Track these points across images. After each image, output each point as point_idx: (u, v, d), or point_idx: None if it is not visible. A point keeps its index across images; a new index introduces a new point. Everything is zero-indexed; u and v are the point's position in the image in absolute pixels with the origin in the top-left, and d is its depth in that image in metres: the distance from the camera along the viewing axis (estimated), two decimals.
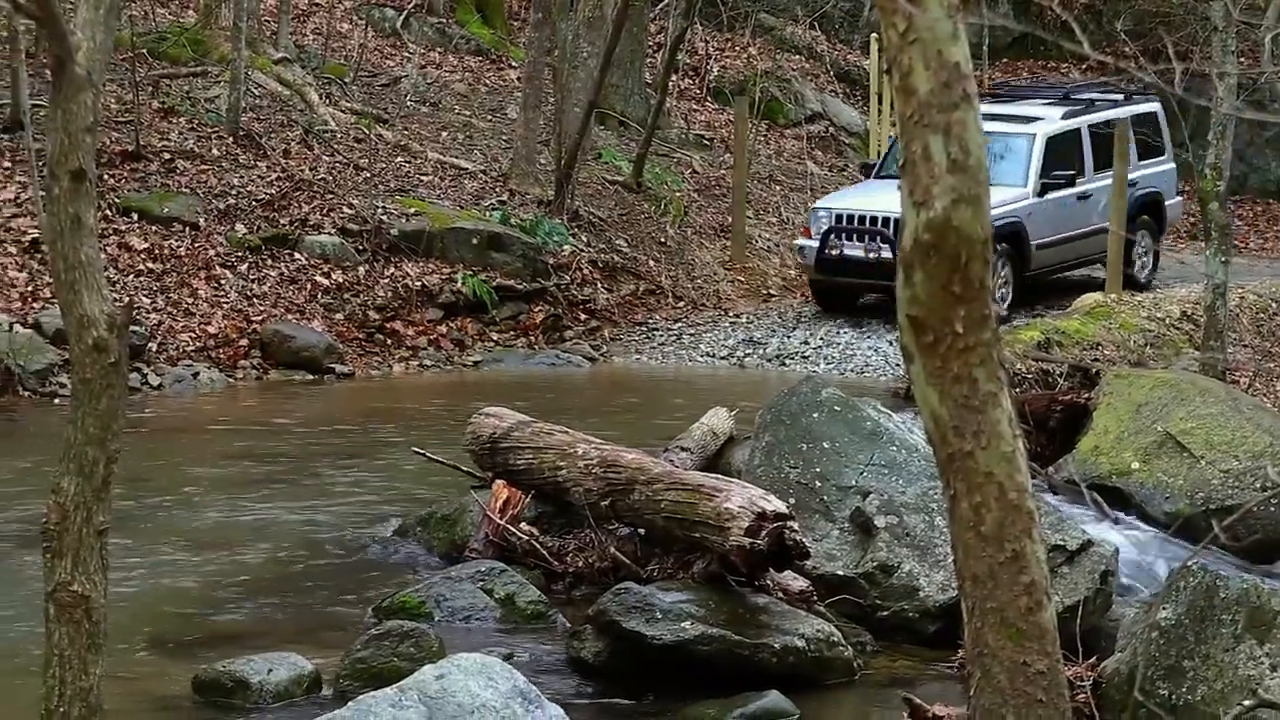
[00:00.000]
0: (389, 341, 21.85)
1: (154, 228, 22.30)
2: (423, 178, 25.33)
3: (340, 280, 22.28)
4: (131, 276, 21.24)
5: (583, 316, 23.46)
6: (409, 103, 28.43)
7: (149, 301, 20.71)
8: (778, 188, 28.68)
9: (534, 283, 23.28)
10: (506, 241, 23.35)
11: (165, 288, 21.27)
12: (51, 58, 6.01)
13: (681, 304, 24.10)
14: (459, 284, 22.75)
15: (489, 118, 28.85)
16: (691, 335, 22.66)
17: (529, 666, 9.74)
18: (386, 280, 22.49)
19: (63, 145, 5.97)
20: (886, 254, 21.89)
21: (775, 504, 10.68)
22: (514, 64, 30.99)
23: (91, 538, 6.01)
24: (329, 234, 22.85)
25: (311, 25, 30.48)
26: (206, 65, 26.60)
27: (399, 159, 25.66)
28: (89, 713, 5.98)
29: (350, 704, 6.56)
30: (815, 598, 11.01)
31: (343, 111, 26.75)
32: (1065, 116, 24.41)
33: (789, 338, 22.35)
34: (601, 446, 12.34)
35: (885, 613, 11.39)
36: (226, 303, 21.28)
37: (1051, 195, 23.62)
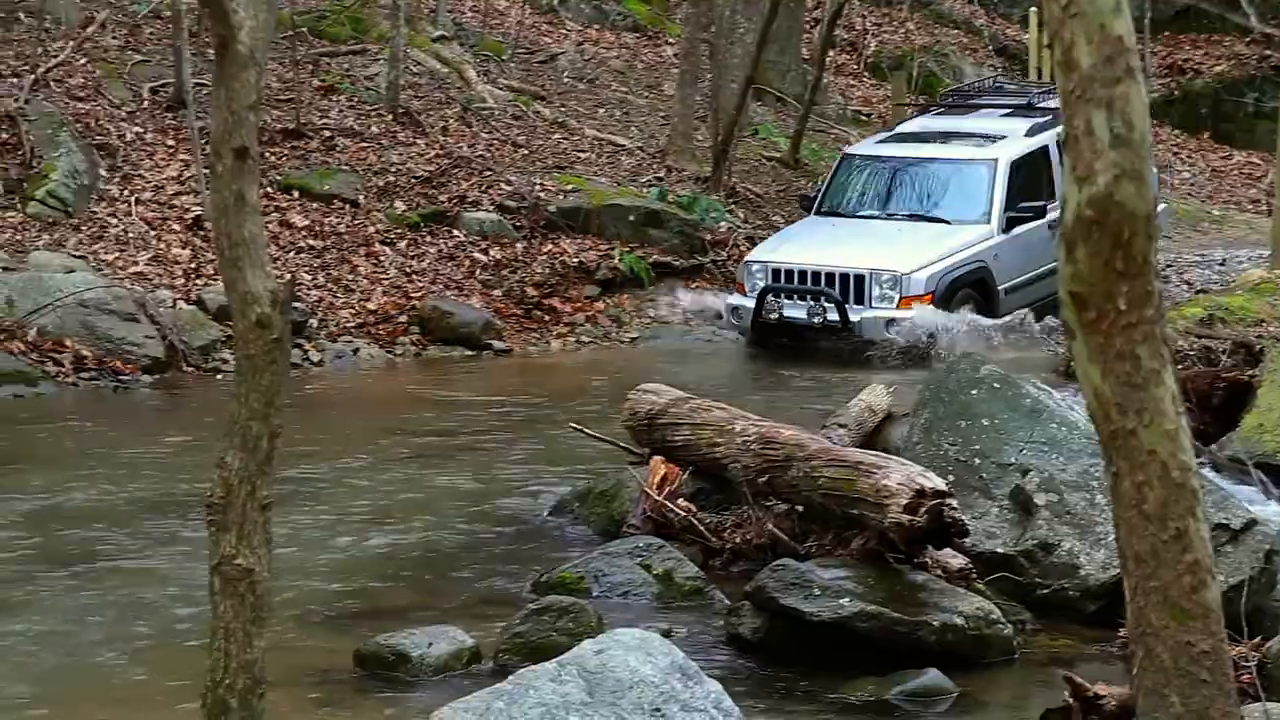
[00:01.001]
0: (546, 318, 21.93)
1: (314, 205, 22.51)
2: (580, 154, 25.39)
3: (498, 257, 22.39)
4: (293, 253, 21.45)
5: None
6: (566, 79, 28.51)
7: (310, 278, 20.91)
8: None
9: (691, 259, 23.29)
10: (663, 218, 23.39)
11: (326, 264, 21.46)
12: (215, 37, 6.07)
13: None
14: (616, 260, 22.80)
15: (646, 94, 28.87)
16: None
17: (687, 642, 9.75)
18: (544, 256, 22.58)
19: (226, 123, 6.03)
20: (833, 316, 19.69)
21: (934, 481, 10.62)
22: (670, 40, 31.00)
23: (255, 512, 6.07)
24: (487, 211, 22.99)
25: (469, 3, 30.64)
26: (365, 43, 26.82)
27: (556, 136, 25.74)
28: (254, 684, 6.04)
29: (510, 678, 6.59)
30: (974, 575, 10.94)
31: (500, 89, 26.86)
32: (1030, 133, 21.27)
33: None
34: (759, 423, 12.32)
35: (1045, 591, 11.29)
36: (386, 279, 21.44)
37: (1019, 230, 20.53)
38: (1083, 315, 4.51)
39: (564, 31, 30.73)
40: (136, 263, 20.54)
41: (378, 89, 25.42)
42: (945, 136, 21.46)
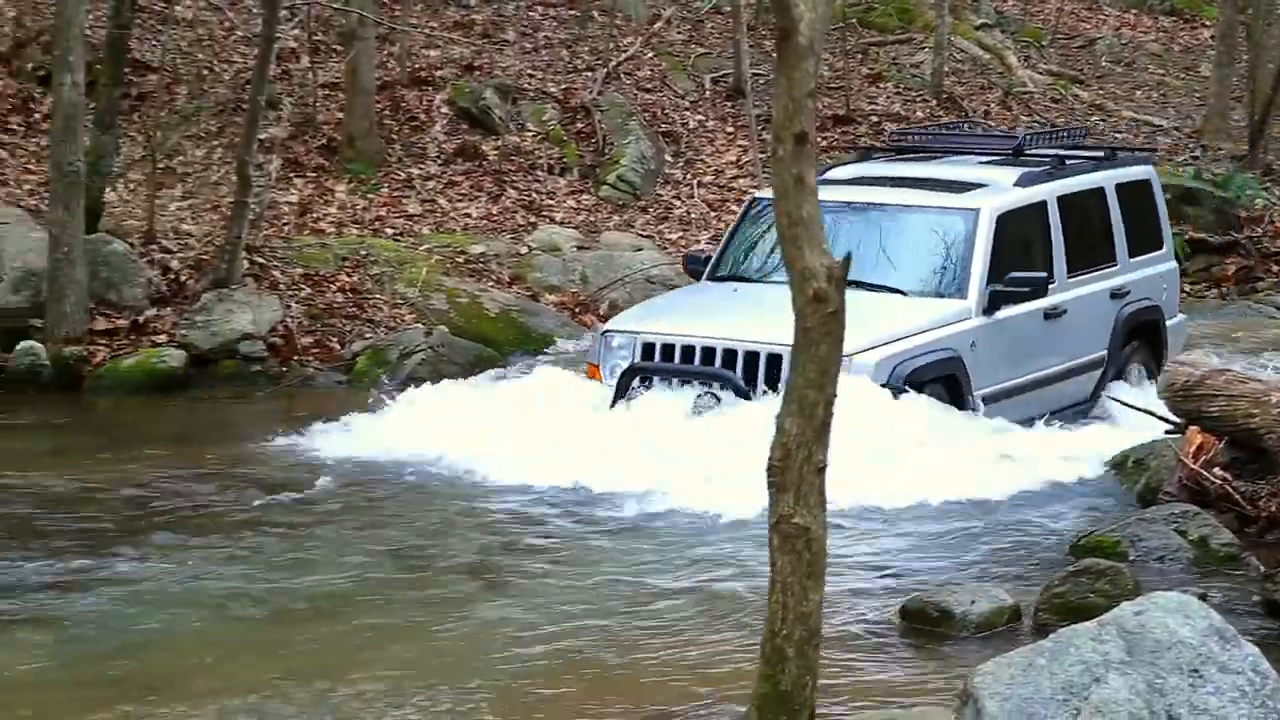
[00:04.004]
0: None
1: None
2: (1116, 135, 25.00)
3: None
4: None
5: (1275, 269, 22.76)
6: (1104, 63, 28.04)
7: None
8: None
9: (1225, 236, 22.73)
10: (1198, 196, 22.93)
11: None
12: (777, 29, 6.14)
13: None
14: None
15: (1182, 76, 28.23)
16: None
17: (1222, 607, 9.47)
18: None
19: (787, 110, 6.10)
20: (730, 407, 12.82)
21: None
22: (1207, 23, 30.20)
23: (811, 474, 6.13)
24: None
25: None
26: (911, 33, 26.86)
27: (1094, 117, 25.41)
28: (809, 635, 6.11)
29: (1051, 636, 6.52)
30: None
31: (1040, 73, 26.59)
32: (1022, 183, 14.28)
33: None
34: None
35: None
36: None
37: (1006, 312, 13.67)
38: None
39: (1102, 17, 30.20)
40: (698, 241, 20.93)
41: (923, 76, 25.41)
42: (901, 182, 14.63)
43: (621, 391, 13.12)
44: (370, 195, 21.06)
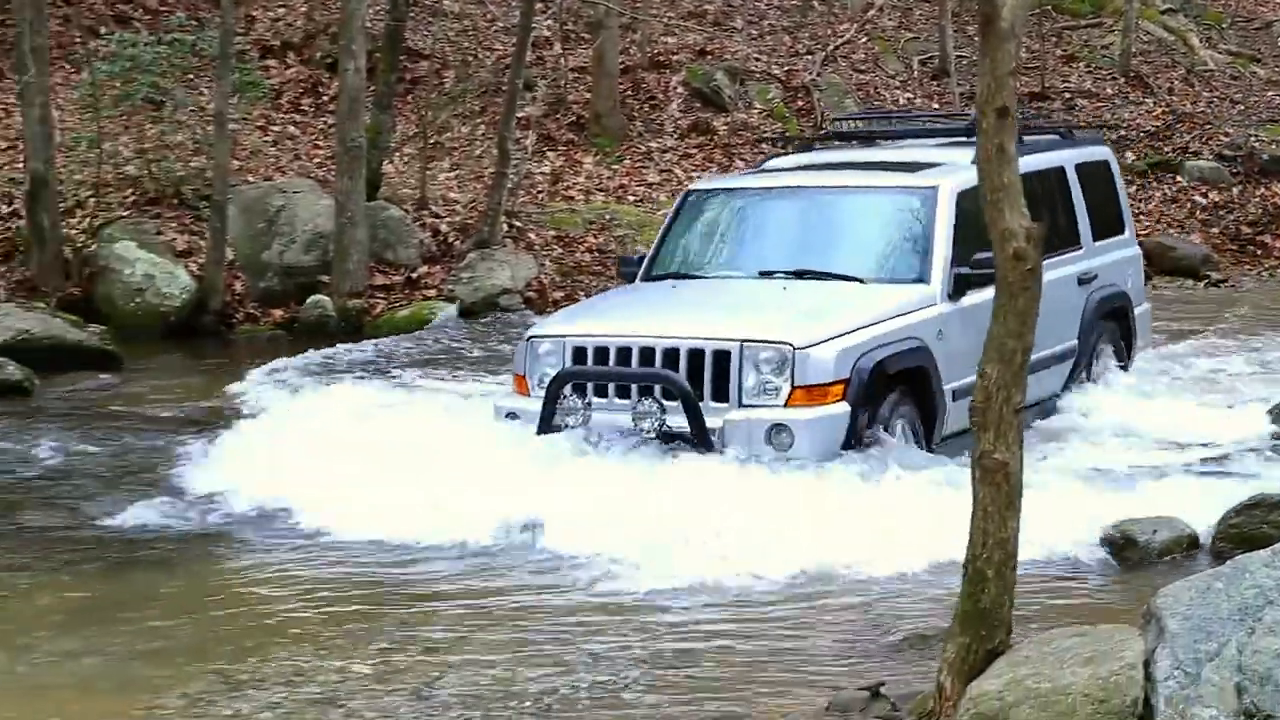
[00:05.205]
0: (1258, 252, 21.26)
1: None
2: None
3: (1216, 199, 21.84)
4: None
5: None
6: None
7: None
8: None
9: None
10: None
11: None
12: (980, 15, 6.08)
13: None
14: None
15: None
16: None
17: None
18: (1257, 199, 21.90)
19: (989, 87, 6.05)
20: (677, 419, 10.04)
21: None
22: None
23: (1010, 415, 6.11)
24: (1207, 160, 22.50)
25: None
26: (1102, 18, 26.42)
27: (1270, 93, 24.88)
28: (1007, 558, 6.10)
29: (1228, 563, 6.41)
30: None
31: (1220, 53, 26.05)
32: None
33: None
34: None
35: None
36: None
37: (974, 298, 10.77)
38: None
39: (1277, 1, 29.47)
40: None
41: (1112, 56, 25.01)
42: (851, 166, 12.19)
43: (550, 402, 10.33)
44: (614, 166, 21.17)
